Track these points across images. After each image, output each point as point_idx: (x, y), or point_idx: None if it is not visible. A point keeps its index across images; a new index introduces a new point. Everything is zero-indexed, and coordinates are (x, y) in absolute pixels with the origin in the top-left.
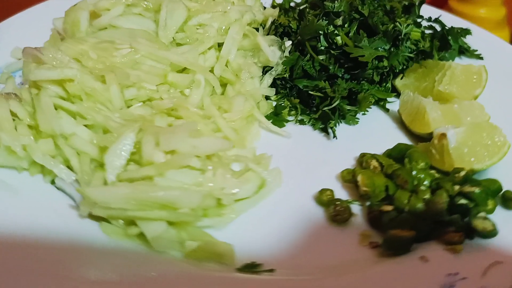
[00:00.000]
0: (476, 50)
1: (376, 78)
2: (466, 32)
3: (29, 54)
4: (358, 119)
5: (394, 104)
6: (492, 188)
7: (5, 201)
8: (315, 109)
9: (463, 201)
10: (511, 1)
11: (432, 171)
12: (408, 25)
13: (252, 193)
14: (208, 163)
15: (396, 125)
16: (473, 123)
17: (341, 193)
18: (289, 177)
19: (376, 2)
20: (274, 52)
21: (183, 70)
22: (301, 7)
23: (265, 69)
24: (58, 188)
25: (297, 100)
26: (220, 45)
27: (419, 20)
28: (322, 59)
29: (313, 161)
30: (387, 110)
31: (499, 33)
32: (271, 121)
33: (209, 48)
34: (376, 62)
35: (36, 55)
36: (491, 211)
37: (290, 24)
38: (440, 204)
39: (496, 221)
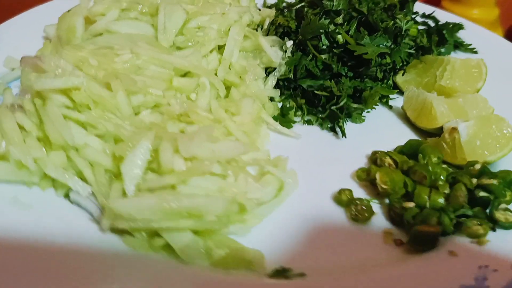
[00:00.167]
0: (470, 44)
1: (380, 75)
2: (459, 26)
3: (28, 63)
4: (365, 116)
5: (395, 101)
6: (508, 179)
7: (21, 220)
8: (321, 108)
9: (483, 193)
10: (504, 2)
11: (445, 166)
12: (407, 21)
13: (272, 197)
14: (228, 167)
15: (401, 121)
16: (481, 116)
17: (357, 192)
18: (303, 178)
19: None
20: (276, 53)
21: (185, 74)
22: (297, 7)
23: (268, 70)
24: (72, 202)
25: (303, 100)
26: (220, 47)
27: (413, 16)
28: (324, 58)
29: (324, 161)
30: (390, 107)
31: None
32: (278, 122)
33: (211, 51)
34: (379, 59)
35: (36, 63)
36: (509, 202)
37: (289, 24)
38: (462, 198)
39: None
